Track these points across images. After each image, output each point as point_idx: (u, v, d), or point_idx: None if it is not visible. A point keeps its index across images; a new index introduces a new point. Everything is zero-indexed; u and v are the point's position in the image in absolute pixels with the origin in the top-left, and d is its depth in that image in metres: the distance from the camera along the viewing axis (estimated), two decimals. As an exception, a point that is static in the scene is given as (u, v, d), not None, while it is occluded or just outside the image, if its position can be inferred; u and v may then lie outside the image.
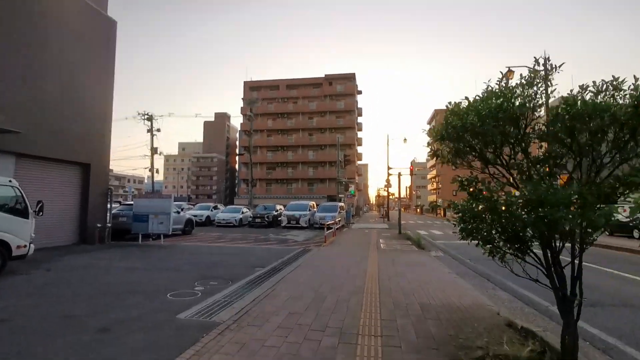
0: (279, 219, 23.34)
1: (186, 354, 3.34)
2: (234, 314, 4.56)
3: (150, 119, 36.63)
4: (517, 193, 3.21)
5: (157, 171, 37.43)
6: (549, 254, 3.20)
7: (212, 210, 25.33)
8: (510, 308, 5.32)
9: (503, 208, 3.03)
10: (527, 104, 3.42)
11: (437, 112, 79.18)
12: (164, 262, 8.94)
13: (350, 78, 60.03)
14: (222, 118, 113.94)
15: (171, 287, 6.12)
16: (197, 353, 3.37)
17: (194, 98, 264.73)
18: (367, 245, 13.45)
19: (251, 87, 62.88)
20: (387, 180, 36.24)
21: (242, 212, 24.75)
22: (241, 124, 63.68)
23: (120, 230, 13.93)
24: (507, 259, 3.42)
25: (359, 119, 67.36)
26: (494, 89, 3.57)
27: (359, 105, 65.38)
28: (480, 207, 3.21)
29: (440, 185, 63.85)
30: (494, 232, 3.26)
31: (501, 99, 3.42)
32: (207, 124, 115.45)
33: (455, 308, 5.03)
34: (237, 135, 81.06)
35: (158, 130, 37.18)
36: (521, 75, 3.42)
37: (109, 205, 13.26)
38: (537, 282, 3.22)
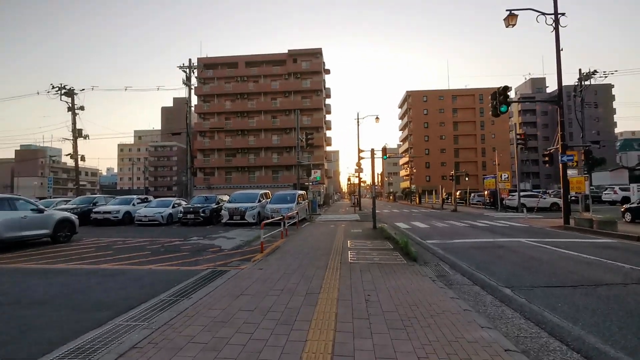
0: (221, 213, 17.98)
1: None
2: None
3: (70, 93, 29.78)
4: None
5: (83, 158, 30.68)
6: None
7: (134, 205, 19.53)
8: None
9: None
10: None
11: (409, 94, 75.39)
12: None
13: (316, 54, 54.50)
14: (182, 103, 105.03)
15: None
16: None
17: (139, 77, 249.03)
18: (326, 254, 8.49)
19: (206, 65, 56.03)
20: (358, 164, 31.54)
21: (173, 206, 19.15)
22: (195, 106, 56.99)
23: None
24: None
25: (327, 101, 62.30)
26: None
27: (326, 86, 60.21)
28: None
29: (414, 170, 60.23)
30: None
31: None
32: (165, 110, 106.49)
33: None
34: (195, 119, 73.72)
35: (81, 108, 30.41)
36: None
37: None
38: None
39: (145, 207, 19.13)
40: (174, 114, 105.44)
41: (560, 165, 15.17)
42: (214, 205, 18.48)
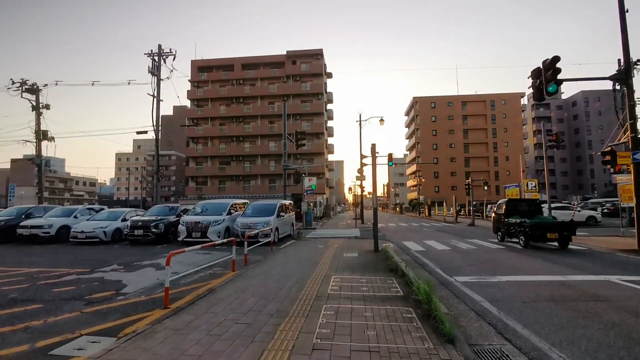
0: (178, 228, 14.00)
1: None
2: None
3: (34, 90, 26.36)
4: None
5: (48, 163, 27.13)
6: None
7: (76, 217, 15.66)
8: None
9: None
10: None
11: (416, 100, 71.60)
12: None
13: (317, 55, 51.05)
14: (181, 111, 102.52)
15: None
16: None
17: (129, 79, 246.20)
18: (279, 316, 4.47)
19: (200, 68, 52.95)
20: (360, 171, 27.47)
21: (124, 219, 15.23)
22: (188, 110, 53.80)
23: None
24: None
25: (329, 106, 58.65)
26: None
27: (328, 90, 56.63)
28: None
29: (422, 180, 55.94)
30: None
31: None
32: (164, 119, 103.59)
33: None
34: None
35: (46, 107, 26.97)
36: None
37: None
38: None
39: (87, 219, 15.24)
40: (173, 122, 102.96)
41: (632, 166, 11.04)
42: (172, 218, 14.52)
